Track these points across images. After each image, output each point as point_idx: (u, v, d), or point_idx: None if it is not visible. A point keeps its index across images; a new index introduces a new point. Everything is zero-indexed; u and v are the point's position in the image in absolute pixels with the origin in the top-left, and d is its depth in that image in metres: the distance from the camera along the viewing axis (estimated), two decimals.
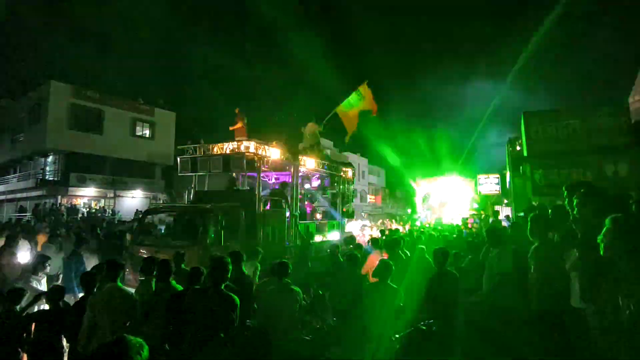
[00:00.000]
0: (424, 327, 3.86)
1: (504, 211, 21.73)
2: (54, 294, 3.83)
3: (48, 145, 21.64)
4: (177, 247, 6.39)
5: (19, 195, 23.73)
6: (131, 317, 3.43)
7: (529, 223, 3.93)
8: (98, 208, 21.98)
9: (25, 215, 19.33)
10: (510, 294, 4.03)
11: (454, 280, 4.50)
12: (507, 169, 19.16)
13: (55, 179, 22.37)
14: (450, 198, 33.95)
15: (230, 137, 9.52)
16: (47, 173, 22.93)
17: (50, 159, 23.43)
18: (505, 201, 24.96)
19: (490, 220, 13.48)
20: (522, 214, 8.06)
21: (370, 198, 42.17)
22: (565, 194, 3.49)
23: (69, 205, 20.45)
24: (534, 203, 9.99)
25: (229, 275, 3.46)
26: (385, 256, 5.80)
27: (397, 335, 3.62)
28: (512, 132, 17.85)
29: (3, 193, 24.87)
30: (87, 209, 21.22)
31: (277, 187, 9.30)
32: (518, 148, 15.59)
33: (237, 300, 3.34)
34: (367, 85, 11.90)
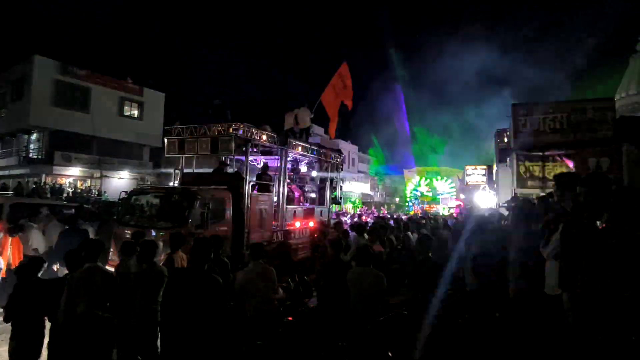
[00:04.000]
0: (405, 312, 3.94)
1: (490, 203, 22.11)
2: (24, 270, 3.69)
3: (31, 122, 21.09)
4: (162, 229, 6.37)
5: (1, 172, 23.19)
6: (110, 296, 3.41)
7: (512, 213, 4.01)
8: (84, 188, 21.63)
9: (8, 194, 18.93)
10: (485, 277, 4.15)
11: (436, 267, 4.58)
12: (494, 160, 19.40)
13: (40, 157, 21.88)
14: (438, 188, 34.37)
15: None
16: (31, 151, 22.40)
17: (34, 136, 22.87)
18: (492, 192, 25.39)
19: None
20: (504, 204, 8.20)
21: None
22: (554, 184, 3.58)
23: (53, 184, 20.07)
24: (517, 195, 10.17)
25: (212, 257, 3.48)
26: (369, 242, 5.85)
27: (378, 319, 3.68)
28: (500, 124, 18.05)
29: None
30: (73, 189, 20.86)
31: (261, 171, 9.28)
32: (506, 140, 15.78)
33: (220, 280, 3.36)
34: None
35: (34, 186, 18.68)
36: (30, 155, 22.11)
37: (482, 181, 26.48)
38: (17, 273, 3.65)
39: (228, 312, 3.95)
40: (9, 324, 4.34)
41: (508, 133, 14.22)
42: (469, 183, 27.55)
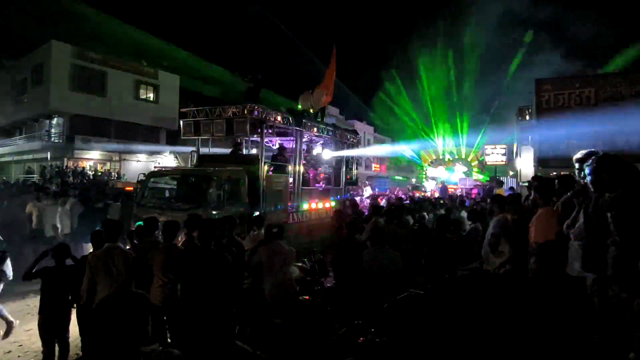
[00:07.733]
0: (421, 292, 3.91)
1: (509, 182, 21.63)
2: (59, 251, 3.90)
3: (52, 107, 21.51)
4: (179, 210, 6.45)
5: (25, 157, 23.89)
6: (131, 276, 3.49)
7: (533, 191, 3.89)
8: (104, 171, 22.13)
9: (33, 177, 19.54)
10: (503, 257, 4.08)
11: (453, 247, 4.52)
12: (515, 139, 18.88)
13: (61, 141, 22.39)
14: (455, 168, 33.77)
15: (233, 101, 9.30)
16: (53, 135, 22.92)
17: (55, 121, 23.36)
18: (511, 172, 24.82)
19: (495, 191, 13.39)
20: (526, 183, 7.98)
21: (375, 167, 42.00)
22: (576, 165, 3.48)
23: (75, 168, 20.59)
24: (539, 174, 9.89)
25: (217, 234, 3.58)
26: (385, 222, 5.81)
27: (393, 298, 3.67)
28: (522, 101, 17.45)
29: (10, 154, 25.04)
30: (93, 172, 21.38)
31: (276, 152, 9.26)
32: (527, 118, 15.27)
33: (230, 258, 3.40)
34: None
35: (57, 170, 19.21)
36: (52, 139, 22.61)
37: (502, 161, 25.88)
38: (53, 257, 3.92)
39: (244, 290, 4.01)
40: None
41: (530, 110, 13.74)
42: (488, 162, 26.98)
